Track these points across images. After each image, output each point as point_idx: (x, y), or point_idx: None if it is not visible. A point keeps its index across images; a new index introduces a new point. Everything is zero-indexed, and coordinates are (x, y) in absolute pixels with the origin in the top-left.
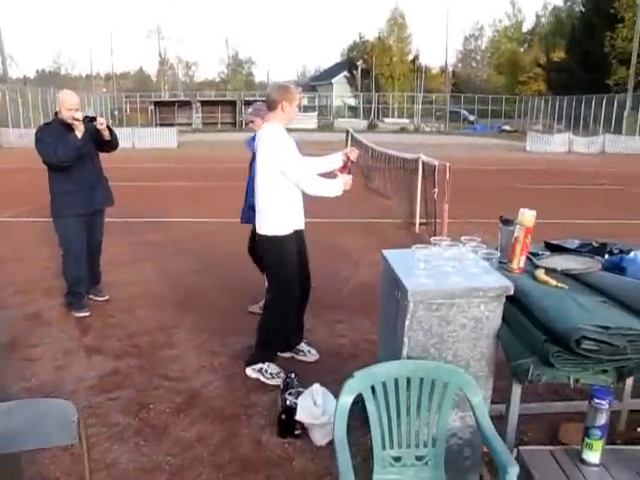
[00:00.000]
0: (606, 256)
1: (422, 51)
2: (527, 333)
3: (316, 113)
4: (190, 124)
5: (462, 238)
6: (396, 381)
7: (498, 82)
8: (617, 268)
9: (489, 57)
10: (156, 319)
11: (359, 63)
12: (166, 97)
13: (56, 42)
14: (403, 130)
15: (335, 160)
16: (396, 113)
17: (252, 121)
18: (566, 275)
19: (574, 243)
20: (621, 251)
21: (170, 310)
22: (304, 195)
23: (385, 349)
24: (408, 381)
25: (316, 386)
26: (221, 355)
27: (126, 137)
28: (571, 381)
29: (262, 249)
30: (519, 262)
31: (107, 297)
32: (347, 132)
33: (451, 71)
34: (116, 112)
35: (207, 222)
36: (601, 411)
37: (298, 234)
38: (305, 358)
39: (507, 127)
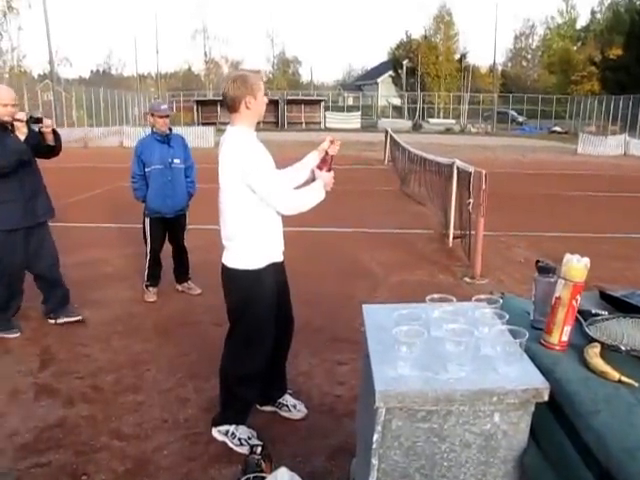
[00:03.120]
0: None
1: (470, 50)
2: (568, 468)
3: (359, 113)
4: None
5: (474, 298)
6: None
7: (549, 82)
8: None
9: (540, 56)
10: (130, 352)
11: (405, 62)
12: (210, 96)
13: (107, 43)
14: (448, 131)
15: (312, 161)
16: (442, 113)
17: None
18: (635, 357)
19: None
20: None
21: (150, 339)
22: (284, 217)
23: (359, 462)
24: None
25: (282, 471)
26: (191, 405)
27: None
28: None
29: (229, 284)
30: (561, 335)
31: (79, 317)
32: (386, 132)
33: (500, 70)
34: (147, 110)
35: None
36: None
37: (276, 266)
38: (290, 415)
39: (557, 128)
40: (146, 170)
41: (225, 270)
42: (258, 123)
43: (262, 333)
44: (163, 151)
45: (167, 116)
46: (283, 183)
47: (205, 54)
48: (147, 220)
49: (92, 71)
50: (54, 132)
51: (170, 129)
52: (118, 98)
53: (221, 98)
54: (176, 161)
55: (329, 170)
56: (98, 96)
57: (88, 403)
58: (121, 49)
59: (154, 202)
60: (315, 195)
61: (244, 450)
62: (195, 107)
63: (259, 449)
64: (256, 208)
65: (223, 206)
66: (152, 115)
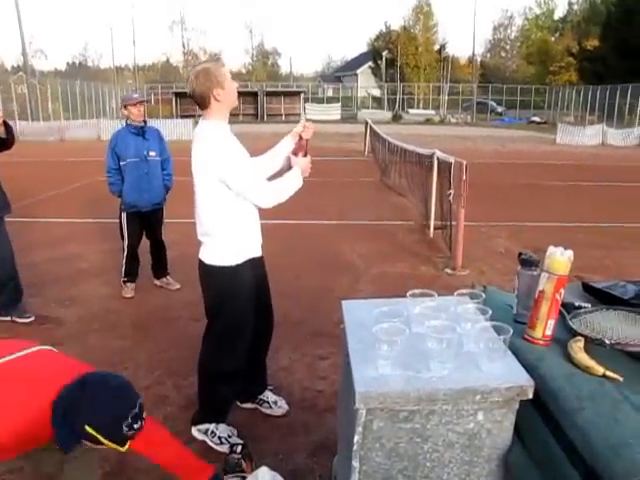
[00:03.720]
0: None
1: (449, 41)
2: (553, 466)
3: (339, 104)
4: None
5: (456, 293)
6: None
7: (528, 72)
8: None
9: (519, 46)
10: (107, 349)
11: (384, 53)
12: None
13: (83, 34)
14: (428, 121)
15: (286, 147)
16: (421, 104)
17: None
18: (619, 351)
19: (626, 289)
20: None
21: (128, 336)
22: (261, 209)
23: (340, 460)
24: None
25: (262, 470)
26: (171, 402)
27: None
28: None
29: (206, 280)
30: (545, 329)
31: (31, 318)
32: (366, 123)
33: (479, 61)
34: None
35: None
36: None
37: (254, 261)
38: (270, 411)
39: (536, 118)
40: (121, 163)
41: (202, 266)
42: (237, 115)
43: (240, 329)
44: (138, 143)
45: (141, 103)
46: (258, 176)
47: (183, 45)
48: (124, 215)
49: (68, 63)
50: (5, 124)
51: (145, 121)
52: (95, 91)
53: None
54: (152, 154)
55: (305, 155)
56: (74, 89)
57: None
58: (97, 41)
59: (130, 196)
60: (293, 184)
61: (224, 449)
62: (174, 99)
63: (239, 448)
64: (231, 204)
65: (198, 202)
66: (125, 107)
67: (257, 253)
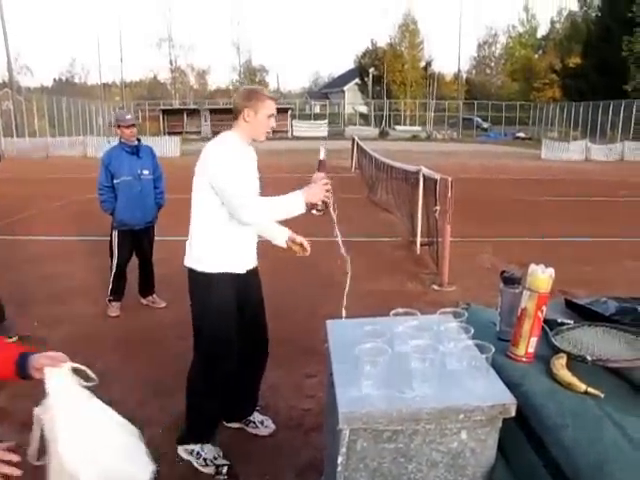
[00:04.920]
0: None
1: (435, 57)
2: None
3: (326, 121)
4: (199, 132)
5: (439, 312)
6: None
7: (512, 89)
8: None
9: (503, 64)
10: (92, 370)
11: (371, 70)
12: (176, 105)
13: (70, 51)
14: (415, 138)
15: (296, 204)
16: (408, 120)
17: None
18: (601, 367)
19: (608, 305)
20: None
21: (114, 356)
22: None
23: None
24: None
25: None
26: (155, 424)
27: None
28: None
29: (189, 285)
30: (527, 346)
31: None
32: (353, 140)
33: (464, 78)
34: (112, 120)
35: None
36: None
37: (243, 278)
38: (257, 431)
39: (521, 134)
40: (114, 182)
41: (187, 270)
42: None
43: (221, 346)
44: (132, 162)
45: (133, 125)
46: (249, 191)
47: (171, 62)
48: (115, 232)
49: (55, 79)
50: None
51: (139, 139)
52: (82, 107)
53: (187, 107)
54: (145, 172)
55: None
56: (61, 105)
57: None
58: (85, 57)
59: (123, 214)
60: (287, 207)
61: (210, 470)
62: (161, 116)
63: (225, 469)
64: (218, 211)
65: (192, 204)
66: (118, 127)
67: (241, 270)
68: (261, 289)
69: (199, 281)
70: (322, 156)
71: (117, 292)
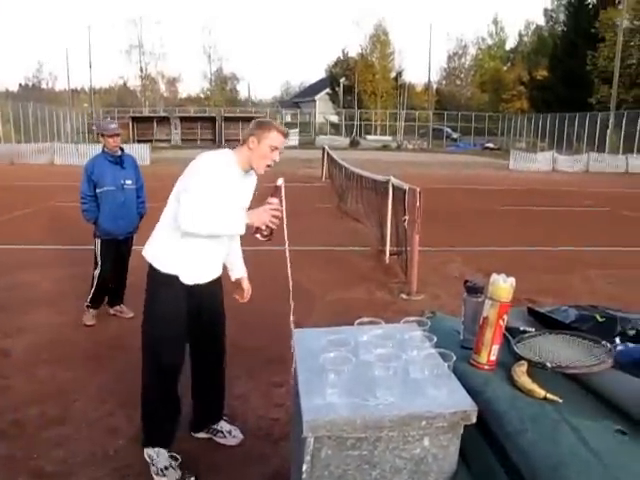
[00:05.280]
0: (617, 340)
1: (406, 68)
2: None
3: (297, 130)
4: (169, 140)
5: (403, 320)
6: None
7: (481, 100)
8: (638, 367)
9: (473, 75)
10: (57, 381)
11: (342, 80)
12: (146, 113)
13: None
14: (385, 147)
15: (236, 223)
16: (379, 130)
17: None
18: (560, 373)
19: (568, 313)
20: (638, 333)
21: (79, 367)
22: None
23: None
24: None
25: None
26: (122, 434)
27: (94, 154)
28: None
29: (146, 282)
30: (489, 354)
31: None
32: (323, 149)
33: (435, 88)
34: (94, 127)
35: None
36: None
37: (199, 287)
38: (225, 441)
39: (490, 145)
40: (97, 191)
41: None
42: (195, 140)
43: (160, 352)
44: (116, 172)
45: (117, 135)
46: (208, 202)
47: (141, 70)
48: (98, 241)
49: (21, 84)
50: None
51: (122, 149)
52: (49, 113)
53: (157, 115)
54: (128, 182)
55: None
56: (27, 111)
57: (7, 440)
58: (52, 63)
59: (107, 224)
60: (226, 224)
61: None
62: (130, 124)
63: (192, 479)
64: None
65: (168, 201)
66: (102, 135)
67: (193, 281)
68: (220, 301)
69: (153, 277)
70: (279, 182)
71: (96, 300)
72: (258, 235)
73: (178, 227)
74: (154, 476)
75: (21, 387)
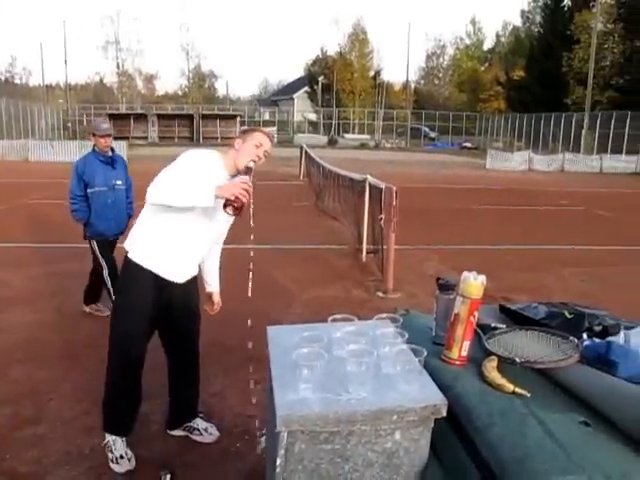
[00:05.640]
0: (585, 336)
1: (384, 67)
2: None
3: (275, 128)
4: (146, 137)
5: (376, 317)
6: None
7: (459, 99)
8: (602, 362)
9: (451, 75)
10: (31, 381)
11: (320, 78)
12: (123, 110)
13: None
14: (363, 146)
15: (204, 193)
16: (357, 129)
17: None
18: (529, 368)
19: (538, 310)
20: (605, 329)
21: (54, 366)
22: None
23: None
24: None
25: None
26: (98, 433)
27: (70, 151)
28: None
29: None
30: (460, 350)
31: None
32: (301, 148)
33: (413, 88)
34: (69, 124)
35: None
36: None
37: (166, 284)
38: (201, 438)
39: (468, 144)
40: (88, 191)
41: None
42: (172, 138)
43: (121, 342)
44: (107, 173)
45: (109, 135)
46: (182, 181)
47: (118, 66)
48: (94, 242)
49: None
50: None
51: (112, 149)
52: (23, 109)
53: (134, 112)
54: (118, 182)
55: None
56: (4, 107)
57: None
58: (26, 57)
59: (98, 224)
60: (192, 195)
61: (120, 469)
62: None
63: (168, 477)
64: (165, 211)
65: None
66: (93, 135)
67: (169, 277)
68: (195, 302)
69: (124, 266)
70: (251, 165)
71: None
72: (228, 209)
73: (155, 218)
74: (110, 463)
75: None
